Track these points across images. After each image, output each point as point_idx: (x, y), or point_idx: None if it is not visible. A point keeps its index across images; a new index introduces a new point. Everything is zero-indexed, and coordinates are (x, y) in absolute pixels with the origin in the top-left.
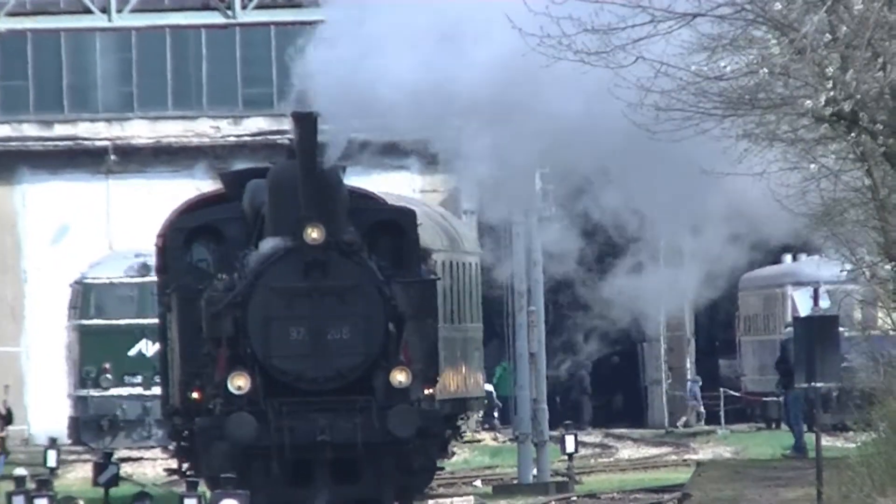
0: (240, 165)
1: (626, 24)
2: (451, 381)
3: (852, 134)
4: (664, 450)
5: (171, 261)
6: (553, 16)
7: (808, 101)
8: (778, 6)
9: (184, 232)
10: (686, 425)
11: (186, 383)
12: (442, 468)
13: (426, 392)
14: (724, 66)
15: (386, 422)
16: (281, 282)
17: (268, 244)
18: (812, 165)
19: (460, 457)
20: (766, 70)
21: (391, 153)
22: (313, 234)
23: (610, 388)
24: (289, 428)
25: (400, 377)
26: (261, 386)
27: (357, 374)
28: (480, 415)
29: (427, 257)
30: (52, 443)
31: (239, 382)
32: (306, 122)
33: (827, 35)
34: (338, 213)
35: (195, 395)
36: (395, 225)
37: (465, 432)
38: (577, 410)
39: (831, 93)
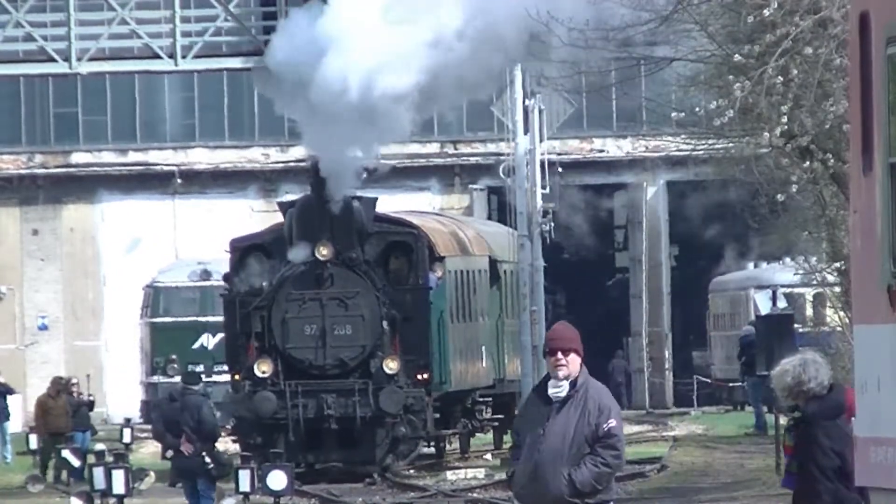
0: (286, 187)
1: (614, 66)
2: (512, 367)
3: (806, 162)
4: (646, 427)
5: (230, 271)
6: (557, 60)
7: (768, 134)
8: (738, 58)
9: (239, 250)
10: None
11: (231, 367)
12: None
13: (418, 377)
14: (697, 109)
15: (378, 400)
16: (298, 289)
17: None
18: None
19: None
20: (732, 111)
21: (413, 175)
22: (323, 251)
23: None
24: (302, 404)
25: (391, 365)
26: (281, 370)
27: (357, 363)
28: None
29: (435, 267)
30: (127, 422)
31: (263, 367)
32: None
33: (780, 78)
34: (345, 235)
35: (236, 377)
36: (406, 244)
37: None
38: (618, 393)
39: (786, 126)
